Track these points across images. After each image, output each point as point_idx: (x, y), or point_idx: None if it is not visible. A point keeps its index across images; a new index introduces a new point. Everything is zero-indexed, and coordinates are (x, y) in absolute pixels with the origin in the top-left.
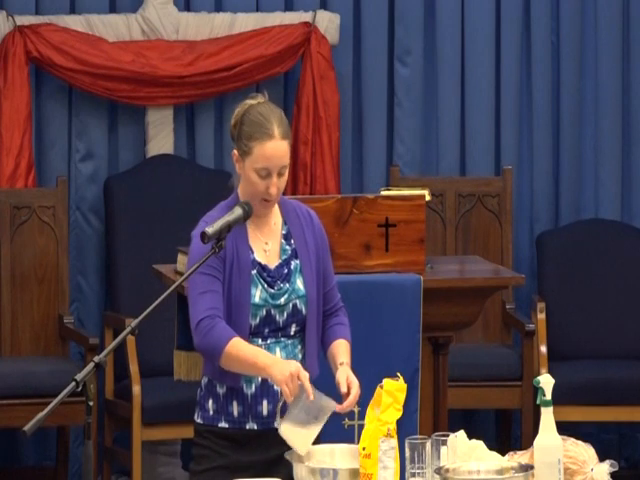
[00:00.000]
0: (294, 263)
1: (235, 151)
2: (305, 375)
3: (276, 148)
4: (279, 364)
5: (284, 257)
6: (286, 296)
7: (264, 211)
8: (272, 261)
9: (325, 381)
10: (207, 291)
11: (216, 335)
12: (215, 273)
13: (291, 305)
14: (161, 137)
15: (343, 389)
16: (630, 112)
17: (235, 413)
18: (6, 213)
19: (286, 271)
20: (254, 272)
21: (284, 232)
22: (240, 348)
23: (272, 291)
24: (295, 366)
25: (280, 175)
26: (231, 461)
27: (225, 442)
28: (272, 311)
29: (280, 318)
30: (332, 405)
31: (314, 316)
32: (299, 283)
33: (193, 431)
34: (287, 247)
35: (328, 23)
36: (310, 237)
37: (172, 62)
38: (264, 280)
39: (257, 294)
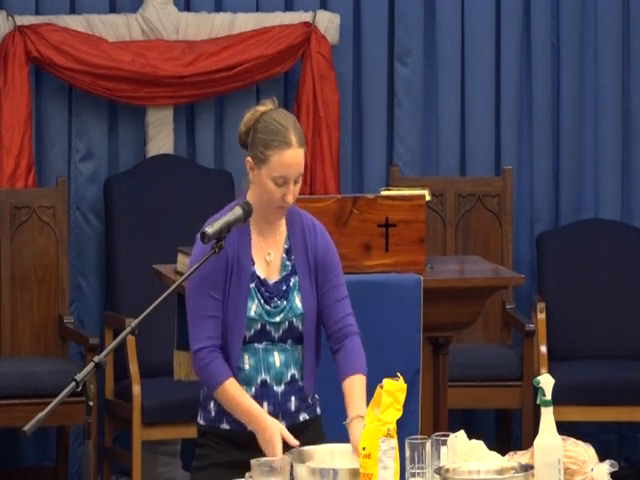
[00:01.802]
0: (293, 280)
1: (249, 158)
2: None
3: (294, 156)
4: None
5: (284, 273)
6: (282, 315)
7: (278, 217)
8: (272, 275)
9: (321, 397)
10: (212, 316)
11: (211, 373)
12: (221, 296)
13: (287, 323)
14: (161, 137)
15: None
16: (630, 112)
17: None
18: (6, 213)
19: (284, 288)
20: (252, 285)
21: (286, 246)
22: (229, 395)
23: (268, 308)
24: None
25: (296, 182)
26: (232, 458)
27: (227, 442)
28: (267, 326)
29: (276, 333)
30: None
31: (311, 333)
32: (297, 301)
33: (197, 432)
34: (288, 263)
35: (328, 23)
36: (312, 253)
37: (172, 62)
38: (261, 295)
39: (252, 308)
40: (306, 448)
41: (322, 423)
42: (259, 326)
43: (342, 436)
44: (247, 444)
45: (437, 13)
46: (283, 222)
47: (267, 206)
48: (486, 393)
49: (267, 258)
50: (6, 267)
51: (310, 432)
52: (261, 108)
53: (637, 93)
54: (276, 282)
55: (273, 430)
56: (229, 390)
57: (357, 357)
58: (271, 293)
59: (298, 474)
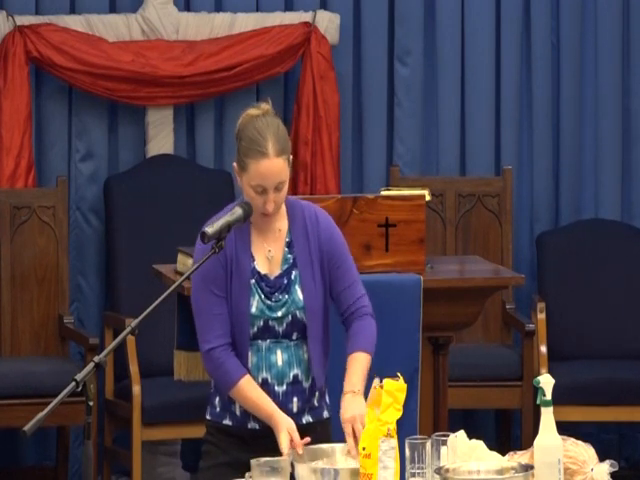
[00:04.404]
0: (294, 273)
1: (234, 164)
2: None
3: (270, 167)
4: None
5: (285, 267)
6: (284, 309)
7: (264, 223)
8: (274, 270)
9: (333, 391)
10: (218, 314)
11: (225, 373)
12: (224, 293)
13: (290, 316)
14: (161, 137)
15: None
16: (630, 112)
17: (238, 412)
18: (6, 213)
19: (286, 282)
20: (252, 281)
21: (287, 240)
22: (245, 394)
23: (269, 303)
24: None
25: (278, 190)
26: (232, 458)
27: (229, 439)
28: (270, 322)
29: (279, 328)
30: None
31: (317, 326)
32: (299, 294)
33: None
34: (289, 256)
35: (328, 23)
36: (315, 244)
37: (172, 62)
38: (262, 290)
39: (254, 304)
40: (307, 448)
41: (330, 427)
42: (262, 322)
43: (341, 436)
44: (248, 442)
45: (437, 13)
46: (284, 218)
47: (253, 211)
48: (486, 393)
49: (268, 255)
50: (6, 267)
51: (313, 435)
52: (252, 112)
53: (637, 93)
54: (277, 276)
55: (281, 428)
56: (244, 388)
57: (362, 335)
58: (272, 288)
59: (299, 474)
